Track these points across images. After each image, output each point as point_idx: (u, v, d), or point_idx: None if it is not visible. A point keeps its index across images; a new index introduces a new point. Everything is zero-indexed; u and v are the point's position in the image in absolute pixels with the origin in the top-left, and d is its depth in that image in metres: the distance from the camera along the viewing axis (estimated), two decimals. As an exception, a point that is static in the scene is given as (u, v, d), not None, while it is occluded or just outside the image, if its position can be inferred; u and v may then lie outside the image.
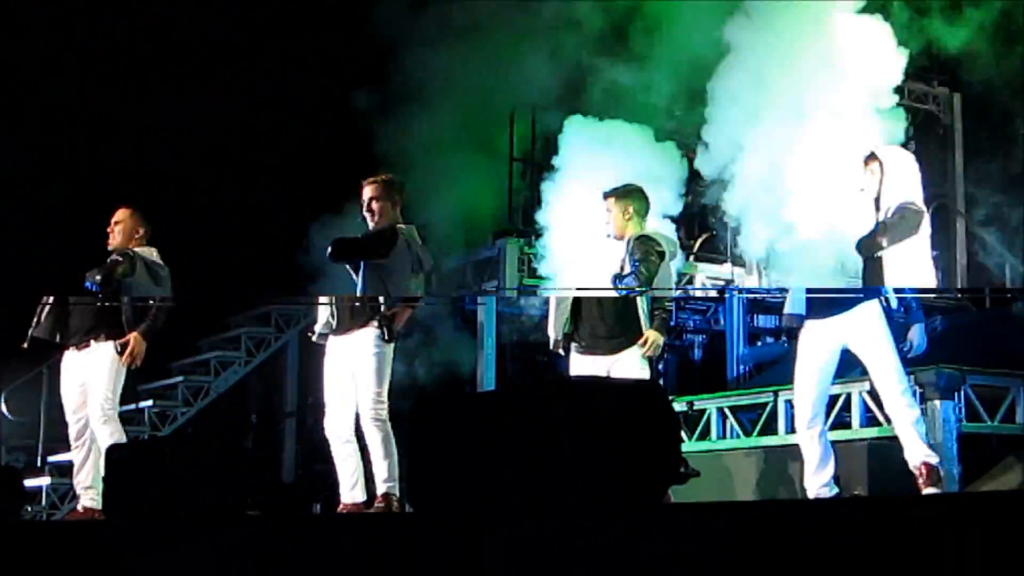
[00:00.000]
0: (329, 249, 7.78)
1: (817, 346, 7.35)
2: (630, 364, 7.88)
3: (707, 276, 13.35)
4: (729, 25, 9.51)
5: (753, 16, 9.48)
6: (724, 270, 13.39)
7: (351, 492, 7.80)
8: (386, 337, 7.71)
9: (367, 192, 7.85)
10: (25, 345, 8.58)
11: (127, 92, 14.30)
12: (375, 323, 7.72)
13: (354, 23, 12.83)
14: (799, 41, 9.38)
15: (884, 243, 7.21)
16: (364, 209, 7.85)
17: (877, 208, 7.32)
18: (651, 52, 11.43)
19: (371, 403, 7.65)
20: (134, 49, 14.16)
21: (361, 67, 12.88)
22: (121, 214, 8.67)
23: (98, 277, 8.40)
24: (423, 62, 12.22)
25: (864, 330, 7.24)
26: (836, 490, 7.46)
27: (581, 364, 8.00)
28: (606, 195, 8.08)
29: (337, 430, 7.81)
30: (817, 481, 7.31)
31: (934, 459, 7.26)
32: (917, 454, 7.15)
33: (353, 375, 7.77)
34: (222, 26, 13.65)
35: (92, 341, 8.41)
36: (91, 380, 8.38)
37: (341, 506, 7.86)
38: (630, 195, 8.08)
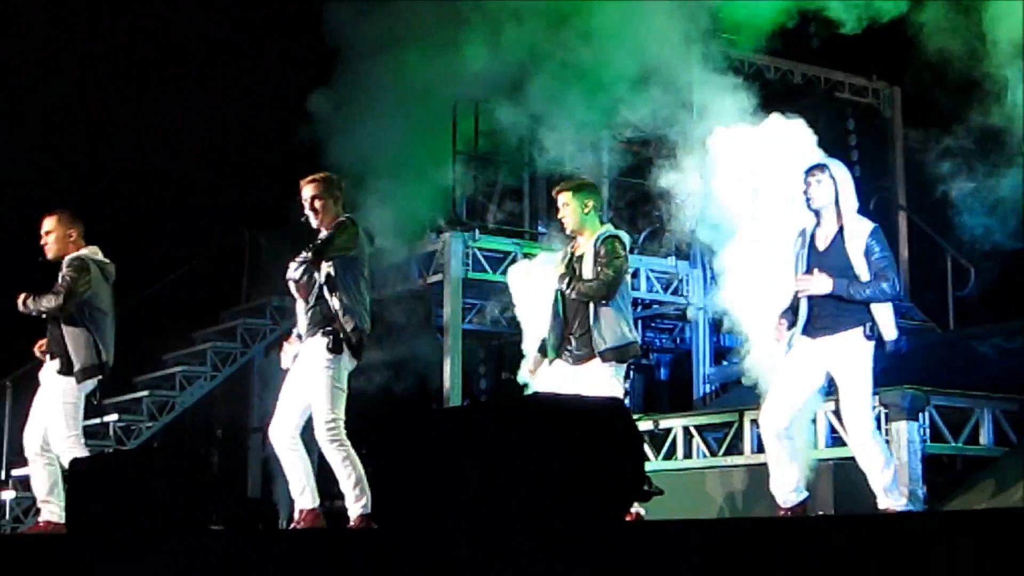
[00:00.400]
0: (309, 253, 7.59)
1: (805, 362, 7.23)
2: (599, 373, 7.79)
3: (651, 269, 13.36)
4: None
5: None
6: (668, 263, 13.43)
7: (301, 498, 7.59)
8: (332, 348, 7.45)
9: (308, 191, 7.72)
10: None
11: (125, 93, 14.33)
12: (325, 334, 7.49)
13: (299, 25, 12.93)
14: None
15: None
16: (307, 208, 7.74)
17: (819, 217, 7.29)
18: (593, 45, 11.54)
19: (323, 423, 7.36)
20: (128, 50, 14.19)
21: (307, 69, 12.93)
22: (49, 223, 8.59)
23: (50, 304, 8.38)
24: (368, 63, 12.28)
25: (848, 356, 7.13)
26: (805, 494, 7.38)
27: (548, 373, 7.92)
28: (560, 189, 7.93)
29: (277, 436, 7.53)
30: (785, 488, 7.25)
31: (901, 504, 7.21)
32: (883, 500, 7.08)
33: (303, 385, 7.54)
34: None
35: (47, 358, 8.40)
36: (47, 408, 8.36)
37: (297, 513, 7.62)
38: (585, 188, 7.92)
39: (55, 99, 14.68)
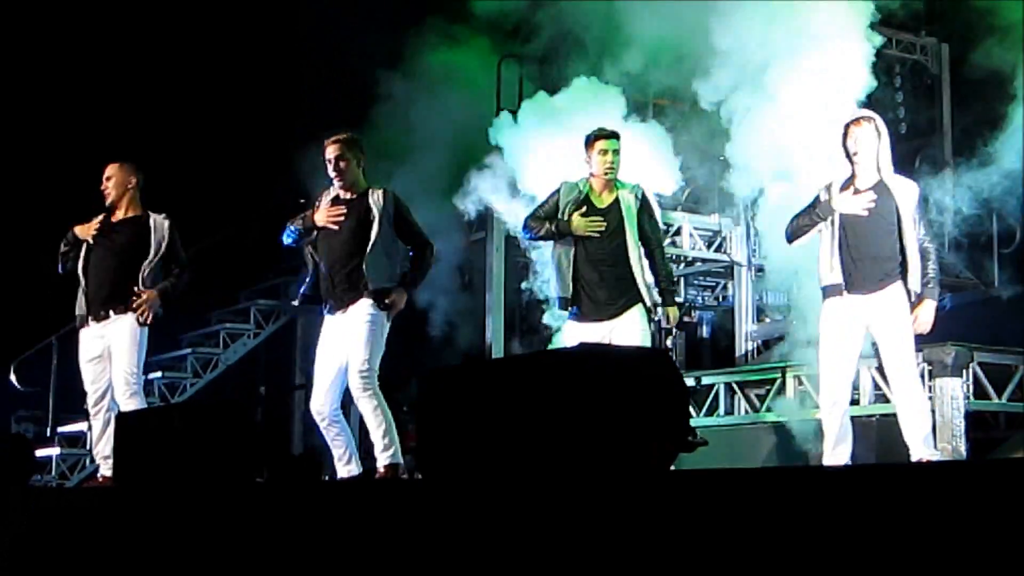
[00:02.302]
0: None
1: (846, 329, 7.19)
2: (630, 329, 7.78)
3: (694, 227, 13.32)
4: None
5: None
6: (712, 221, 13.38)
7: (346, 467, 7.66)
8: (382, 307, 7.52)
9: (332, 151, 7.76)
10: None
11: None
12: (371, 296, 7.55)
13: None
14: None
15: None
16: (331, 168, 7.77)
17: (855, 168, 7.27)
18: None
19: (358, 373, 7.42)
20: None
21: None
22: (111, 169, 8.62)
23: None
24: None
25: (890, 311, 7.10)
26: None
27: (579, 332, 7.88)
28: (612, 135, 7.90)
29: (320, 410, 7.58)
30: (836, 458, 7.22)
31: (936, 456, 7.14)
32: (919, 451, 7.04)
33: (344, 351, 7.57)
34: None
35: (112, 312, 8.37)
36: (114, 352, 8.35)
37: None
38: (616, 136, 7.98)
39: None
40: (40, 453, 12.56)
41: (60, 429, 13.88)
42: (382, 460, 7.45)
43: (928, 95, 14.37)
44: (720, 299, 15.11)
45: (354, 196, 7.77)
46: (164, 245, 8.46)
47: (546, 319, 11.45)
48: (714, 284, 15.19)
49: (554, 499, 3.67)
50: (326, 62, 14.18)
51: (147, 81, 14.93)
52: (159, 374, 14.18)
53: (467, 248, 13.27)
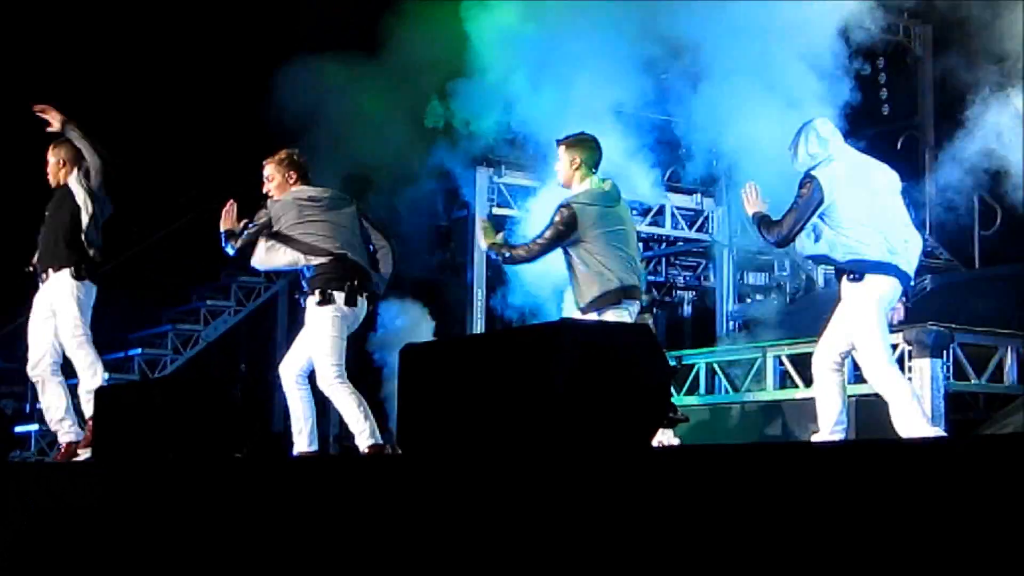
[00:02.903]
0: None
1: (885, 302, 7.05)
2: None
3: (676, 207, 13.33)
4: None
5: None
6: (693, 200, 13.41)
7: (299, 438, 7.74)
8: (321, 302, 7.66)
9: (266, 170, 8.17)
10: None
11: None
12: (317, 289, 7.71)
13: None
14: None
15: None
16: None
17: None
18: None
19: (324, 368, 7.59)
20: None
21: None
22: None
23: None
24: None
25: (844, 297, 7.00)
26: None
27: None
28: (558, 142, 7.93)
29: (285, 372, 7.78)
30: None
31: (936, 431, 6.94)
32: (918, 429, 6.73)
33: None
34: None
35: (50, 271, 8.38)
36: (57, 309, 8.34)
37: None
38: (579, 144, 7.90)
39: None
40: (19, 429, 12.52)
41: (39, 405, 13.83)
42: (365, 443, 7.53)
43: (910, 77, 14.40)
44: (702, 279, 15.14)
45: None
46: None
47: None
48: (695, 264, 15.21)
49: (535, 474, 3.66)
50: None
51: (127, 46, 14.80)
52: (139, 350, 14.15)
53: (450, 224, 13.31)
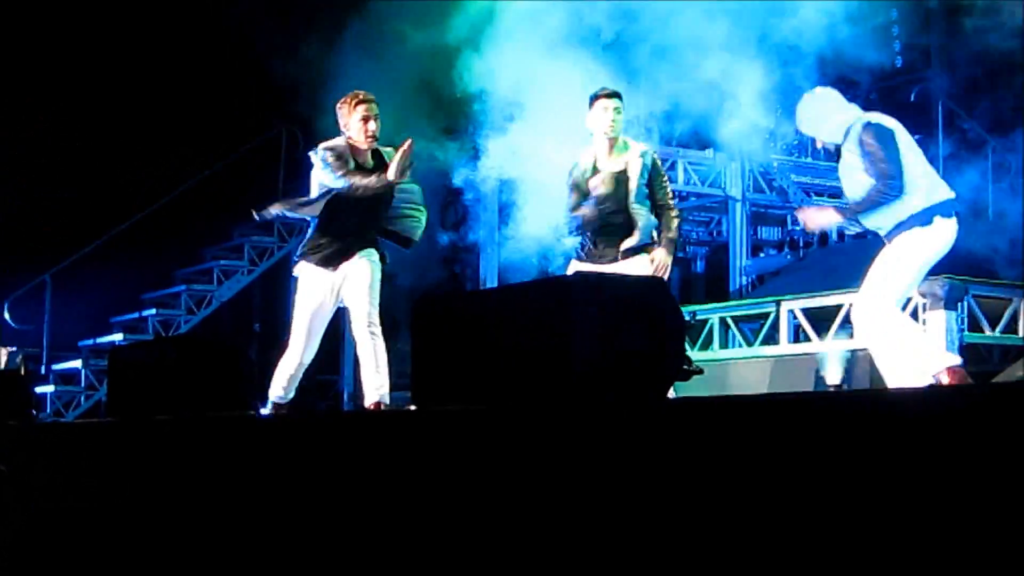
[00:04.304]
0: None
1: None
2: (640, 270, 7.80)
3: (688, 162, 13.29)
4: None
5: None
6: (706, 155, 13.36)
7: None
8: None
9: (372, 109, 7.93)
10: None
11: None
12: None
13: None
14: None
15: None
16: (374, 122, 7.91)
17: None
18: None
19: (372, 313, 7.88)
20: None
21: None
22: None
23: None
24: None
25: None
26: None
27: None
28: (613, 94, 7.91)
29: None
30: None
31: (958, 360, 6.76)
32: (938, 361, 6.63)
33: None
34: None
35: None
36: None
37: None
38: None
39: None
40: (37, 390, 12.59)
41: (54, 367, 13.90)
42: (375, 397, 7.68)
43: (923, 27, 14.30)
44: (715, 234, 15.10)
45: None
46: None
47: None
48: (708, 219, 15.18)
49: (551, 427, 3.66)
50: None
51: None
52: (153, 311, 14.19)
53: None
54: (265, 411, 7.86)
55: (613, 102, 7.85)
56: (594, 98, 7.90)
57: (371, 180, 7.71)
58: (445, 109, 12.18)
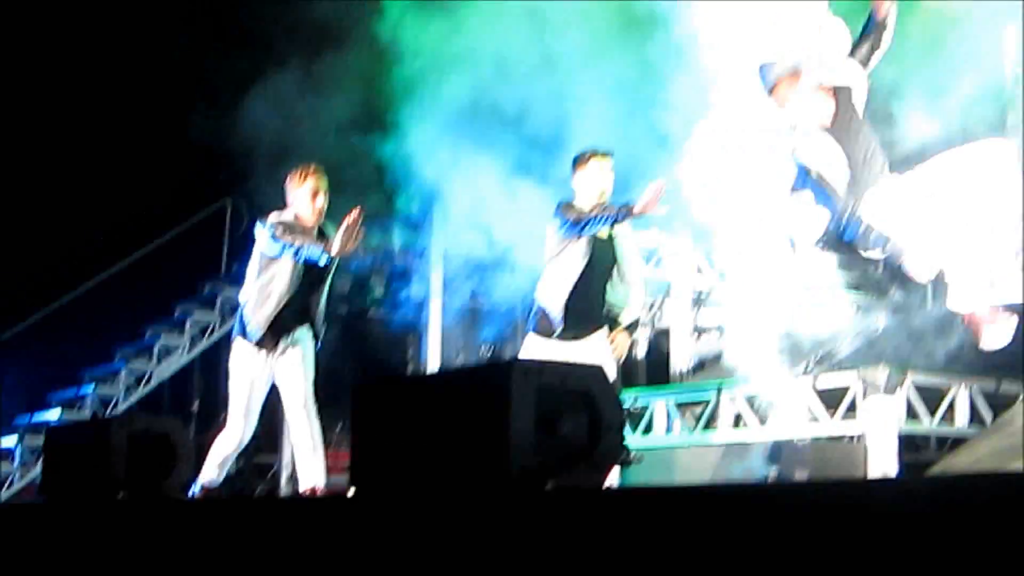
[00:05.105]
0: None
1: None
2: (599, 349, 7.68)
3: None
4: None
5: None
6: (649, 236, 13.35)
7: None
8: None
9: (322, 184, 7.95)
10: None
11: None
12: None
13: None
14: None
15: None
16: (320, 198, 7.91)
17: None
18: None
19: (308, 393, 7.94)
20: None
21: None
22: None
23: None
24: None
25: None
26: None
27: (541, 349, 7.70)
28: (608, 153, 7.68)
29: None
30: None
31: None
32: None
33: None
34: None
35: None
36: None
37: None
38: None
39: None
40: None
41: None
42: (316, 481, 7.64)
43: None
44: (656, 318, 15.11)
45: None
46: None
47: None
48: (650, 301, 15.18)
49: (488, 515, 3.64)
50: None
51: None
52: (92, 387, 14.02)
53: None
54: (195, 493, 7.75)
55: (609, 161, 7.65)
56: (583, 158, 7.66)
57: (315, 248, 7.58)
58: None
